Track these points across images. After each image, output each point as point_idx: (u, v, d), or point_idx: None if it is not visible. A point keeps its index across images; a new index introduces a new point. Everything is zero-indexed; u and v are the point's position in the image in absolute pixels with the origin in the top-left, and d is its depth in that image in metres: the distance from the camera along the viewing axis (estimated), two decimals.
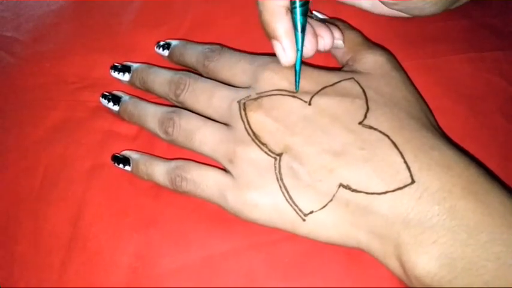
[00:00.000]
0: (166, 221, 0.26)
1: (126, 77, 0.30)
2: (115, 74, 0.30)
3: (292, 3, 0.23)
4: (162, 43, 0.31)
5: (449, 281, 0.20)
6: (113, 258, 0.25)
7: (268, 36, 0.25)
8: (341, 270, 0.24)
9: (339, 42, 0.27)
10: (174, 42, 0.30)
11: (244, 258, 0.24)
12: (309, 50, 0.25)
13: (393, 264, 0.22)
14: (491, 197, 0.21)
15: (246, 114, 0.24)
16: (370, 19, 0.31)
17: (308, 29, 0.25)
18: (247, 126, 0.24)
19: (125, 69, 0.30)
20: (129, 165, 0.27)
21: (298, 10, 0.23)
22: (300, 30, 0.24)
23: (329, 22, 0.28)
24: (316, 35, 0.25)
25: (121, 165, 0.27)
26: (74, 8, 0.36)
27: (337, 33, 0.27)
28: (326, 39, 0.26)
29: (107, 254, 0.25)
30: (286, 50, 0.24)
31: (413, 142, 0.22)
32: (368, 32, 0.29)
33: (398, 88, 0.25)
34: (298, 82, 0.24)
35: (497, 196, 0.21)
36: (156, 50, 0.31)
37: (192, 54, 0.29)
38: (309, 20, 0.26)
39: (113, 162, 0.28)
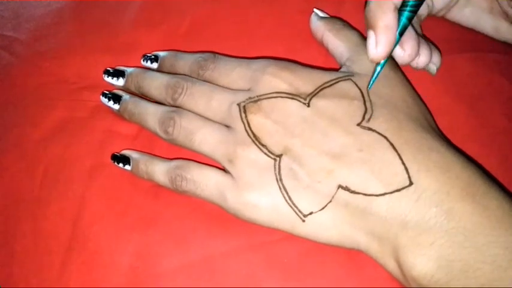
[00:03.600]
0: (166, 221, 0.26)
1: (120, 81, 0.30)
2: (108, 79, 0.30)
3: (403, 4, 0.24)
4: (149, 55, 0.30)
5: (446, 283, 0.20)
6: (113, 258, 0.25)
7: (366, 25, 0.25)
8: (341, 271, 0.24)
9: (432, 67, 0.27)
10: (162, 54, 0.30)
11: (244, 258, 0.24)
12: (406, 56, 0.25)
13: (391, 265, 0.22)
14: (489, 199, 0.21)
15: (246, 116, 0.24)
16: None
17: (415, 38, 0.25)
18: (247, 128, 0.24)
19: (119, 73, 0.30)
20: (129, 165, 0.27)
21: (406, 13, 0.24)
22: (399, 32, 0.24)
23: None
24: (418, 47, 0.26)
25: (121, 165, 0.27)
26: (74, 8, 0.36)
27: (436, 57, 0.27)
28: (422, 57, 0.26)
29: (107, 254, 0.25)
30: (378, 44, 0.24)
31: (412, 143, 0.22)
32: None
33: (397, 89, 0.25)
34: (374, 82, 0.24)
35: (495, 198, 0.21)
36: (143, 63, 0.30)
37: (185, 65, 0.28)
38: (416, 33, 0.26)
39: (112, 161, 0.28)
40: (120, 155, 0.28)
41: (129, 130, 0.29)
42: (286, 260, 0.24)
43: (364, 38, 0.28)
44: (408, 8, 0.24)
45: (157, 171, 0.26)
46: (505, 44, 0.30)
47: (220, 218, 0.25)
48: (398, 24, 0.24)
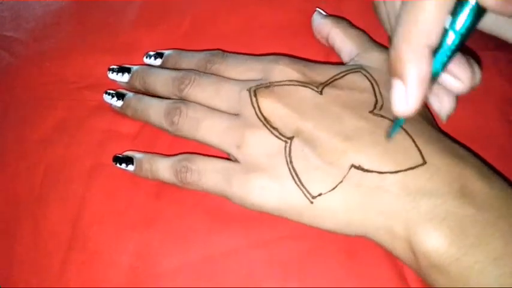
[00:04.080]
0: (166, 221, 0.26)
1: (125, 77, 0.29)
2: (113, 76, 0.30)
3: (441, 42, 0.19)
4: (152, 53, 0.30)
5: (457, 259, 0.20)
6: (112, 258, 0.25)
7: (389, 71, 0.20)
8: (341, 271, 0.24)
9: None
10: (167, 52, 0.30)
11: (244, 258, 0.24)
12: (463, 87, 0.22)
13: (401, 245, 0.22)
14: (495, 181, 0.22)
15: (257, 100, 0.24)
16: (372, 18, 0.31)
17: (462, 57, 0.22)
18: (257, 112, 0.24)
19: (124, 70, 0.30)
20: (132, 165, 0.27)
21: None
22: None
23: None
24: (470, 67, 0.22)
25: (123, 165, 0.27)
26: (74, 8, 0.36)
27: (477, 74, 0.22)
28: (465, 82, 0.22)
29: (106, 254, 0.25)
30: (409, 99, 0.19)
31: (422, 132, 0.23)
32: (369, 31, 0.29)
33: None
34: (394, 132, 0.22)
35: (499, 181, 0.22)
36: (146, 60, 0.30)
37: (191, 61, 0.28)
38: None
39: (114, 163, 0.27)
40: (123, 156, 0.28)
41: (130, 129, 0.29)
42: (287, 259, 0.24)
43: (369, 37, 0.28)
44: (450, 47, 0.19)
45: (162, 168, 0.26)
46: (504, 43, 0.29)
47: (220, 217, 0.25)
48: (436, 70, 0.19)
